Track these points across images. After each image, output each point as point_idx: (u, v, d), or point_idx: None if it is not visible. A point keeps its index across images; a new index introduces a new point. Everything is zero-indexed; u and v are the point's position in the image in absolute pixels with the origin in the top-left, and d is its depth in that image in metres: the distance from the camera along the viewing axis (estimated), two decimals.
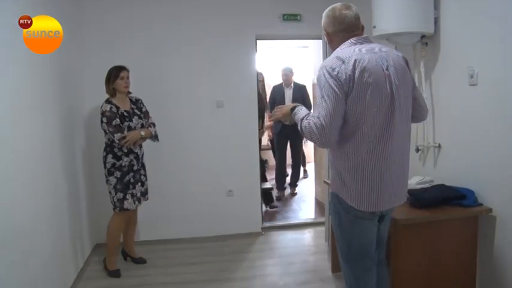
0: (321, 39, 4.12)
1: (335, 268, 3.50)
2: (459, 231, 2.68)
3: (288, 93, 5.90)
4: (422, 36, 3.06)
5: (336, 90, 1.91)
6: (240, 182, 4.55)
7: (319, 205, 5.52)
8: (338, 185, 2.11)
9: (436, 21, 3.02)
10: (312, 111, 2.18)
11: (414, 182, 2.96)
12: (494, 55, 2.54)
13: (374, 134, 1.96)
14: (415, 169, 3.31)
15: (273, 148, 6.61)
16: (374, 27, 3.06)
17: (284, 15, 4.46)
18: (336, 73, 1.93)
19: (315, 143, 2.04)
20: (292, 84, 5.93)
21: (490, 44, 2.57)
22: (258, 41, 4.53)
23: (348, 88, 1.92)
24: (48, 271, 2.94)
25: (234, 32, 4.40)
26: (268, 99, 6.01)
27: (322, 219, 4.72)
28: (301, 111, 2.10)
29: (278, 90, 5.99)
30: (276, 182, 6.11)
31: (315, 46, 5.78)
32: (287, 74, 5.97)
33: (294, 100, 5.48)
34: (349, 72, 1.91)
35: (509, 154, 2.45)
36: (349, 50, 2.00)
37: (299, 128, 2.05)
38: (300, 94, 5.79)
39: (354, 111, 1.94)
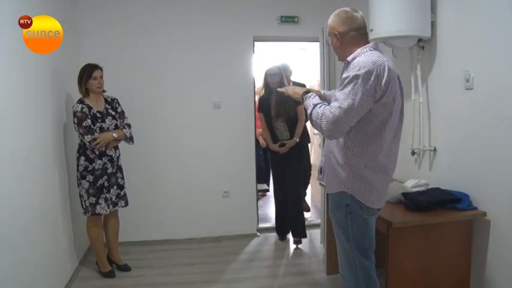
0: (318, 41, 4.13)
1: (330, 270, 3.50)
2: (454, 235, 2.69)
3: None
4: (419, 40, 3.07)
5: (370, 93, 1.97)
6: (235, 183, 4.55)
7: (314, 207, 5.52)
8: (353, 184, 2.12)
9: (433, 25, 3.03)
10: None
11: (409, 185, 2.97)
12: (490, 59, 2.55)
13: (390, 138, 2.13)
14: (411, 172, 3.32)
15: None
16: (371, 30, 3.07)
17: (282, 17, 4.47)
18: (373, 76, 1.97)
19: (322, 132, 2.06)
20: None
21: (486, 48, 2.58)
22: (255, 43, 4.54)
23: (381, 92, 1.99)
24: (43, 271, 2.93)
25: (232, 33, 4.41)
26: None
27: (318, 222, 4.72)
28: (315, 98, 2.17)
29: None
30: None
31: (312, 48, 5.77)
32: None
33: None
34: (385, 79, 1.98)
35: (504, 158, 2.47)
36: (379, 55, 2.06)
37: (308, 112, 2.12)
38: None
39: (377, 114, 2.03)
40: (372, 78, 1.96)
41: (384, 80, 1.98)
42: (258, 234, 4.63)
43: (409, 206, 2.69)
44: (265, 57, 6.48)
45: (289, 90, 2.38)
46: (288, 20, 4.49)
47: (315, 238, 4.49)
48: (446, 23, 2.96)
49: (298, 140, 4.22)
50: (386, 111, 2.04)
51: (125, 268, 3.76)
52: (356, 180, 2.11)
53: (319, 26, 3.90)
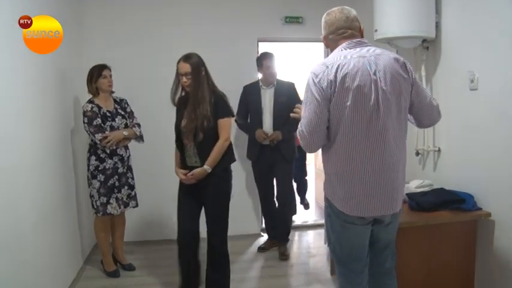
0: (322, 42, 4.13)
1: (334, 270, 3.50)
2: (458, 235, 2.69)
3: (268, 95, 4.01)
4: (424, 41, 3.08)
5: (317, 97, 1.93)
6: (239, 183, 4.55)
7: (318, 207, 5.53)
8: (328, 189, 2.11)
9: (437, 25, 3.03)
10: None
11: (414, 185, 2.97)
12: (494, 60, 2.55)
13: (357, 139, 1.93)
14: (415, 173, 3.32)
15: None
16: (375, 30, 3.08)
17: (286, 17, 4.48)
18: (318, 79, 1.94)
19: (304, 149, 2.08)
20: (275, 82, 4.03)
21: (490, 49, 2.58)
22: (260, 43, 4.55)
23: (330, 94, 1.92)
24: (48, 269, 2.95)
25: (236, 34, 4.42)
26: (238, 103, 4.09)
27: (321, 222, 4.72)
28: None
29: (252, 91, 4.07)
30: (266, 228, 4.47)
31: (317, 49, 5.76)
32: (270, 66, 3.96)
33: (277, 105, 3.94)
34: (331, 78, 1.91)
35: (509, 159, 2.47)
36: (337, 55, 1.99)
37: None
38: (287, 96, 3.92)
39: (335, 117, 1.94)
40: (317, 80, 1.94)
41: (329, 79, 1.90)
42: (262, 234, 4.64)
43: (413, 206, 2.70)
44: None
45: (297, 115, 2.18)
46: (293, 20, 4.49)
47: (319, 238, 4.49)
48: (451, 24, 2.96)
49: (210, 171, 2.90)
50: (342, 111, 1.91)
51: (130, 268, 3.78)
52: (327, 185, 2.11)
53: None
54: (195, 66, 2.87)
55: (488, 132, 2.62)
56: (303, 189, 5.40)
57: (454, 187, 2.85)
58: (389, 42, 3.12)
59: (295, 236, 4.62)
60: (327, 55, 3.97)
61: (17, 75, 2.60)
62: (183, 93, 3.02)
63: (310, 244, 4.41)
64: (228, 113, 2.96)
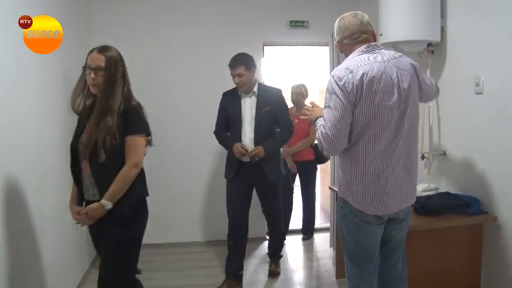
0: (327, 46, 4.14)
1: (339, 274, 3.50)
2: (463, 239, 2.68)
3: (249, 104, 3.45)
4: (429, 44, 3.07)
5: (343, 100, 1.97)
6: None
7: (323, 211, 5.52)
8: (346, 189, 2.14)
9: (443, 29, 3.03)
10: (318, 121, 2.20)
11: (419, 189, 2.96)
12: (500, 64, 2.55)
13: (383, 141, 2.01)
14: (420, 176, 3.30)
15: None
16: (381, 35, 3.08)
17: (291, 21, 4.50)
18: (342, 83, 1.98)
19: (324, 152, 2.13)
20: (255, 89, 3.46)
21: (496, 52, 2.58)
22: (265, 47, 4.57)
23: (355, 98, 1.97)
24: (53, 273, 2.96)
25: (242, 38, 4.43)
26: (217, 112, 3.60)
27: (327, 225, 4.72)
28: (320, 118, 2.18)
29: (232, 99, 3.53)
30: (228, 259, 3.56)
31: (322, 53, 5.76)
32: (235, 76, 3.40)
33: (259, 116, 3.39)
34: (356, 82, 1.96)
35: None
36: (359, 59, 2.04)
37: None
38: (272, 105, 3.41)
39: (361, 120, 1.99)
40: (341, 84, 1.98)
41: (355, 83, 1.96)
42: (267, 237, 4.63)
43: (418, 210, 2.69)
44: (275, 62, 6.48)
45: (307, 116, 2.32)
46: (298, 24, 4.51)
47: (324, 242, 4.49)
48: (456, 28, 2.96)
49: (109, 207, 2.18)
50: (371, 114, 1.98)
51: (136, 271, 3.77)
52: (346, 185, 2.14)
53: (328, 31, 3.89)
54: (111, 61, 2.19)
55: (494, 136, 2.61)
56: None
57: (460, 191, 2.85)
58: (394, 46, 3.11)
59: (300, 240, 4.62)
60: (332, 59, 4.02)
61: (24, 76, 2.63)
62: (90, 100, 2.27)
63: (315, 248, 4.40)
64: (140, 129, 2.24)
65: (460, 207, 2.68)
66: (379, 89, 1.97)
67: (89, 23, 4.13)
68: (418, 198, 2.75)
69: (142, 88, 4.18)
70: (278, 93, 3.51)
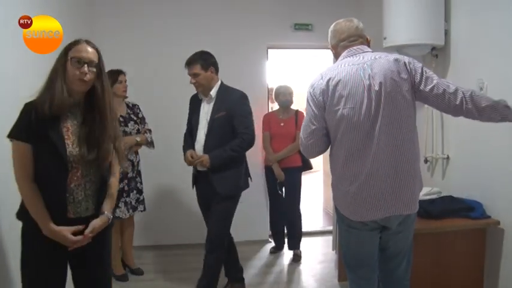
0: None
1: (342, 277, 3.50)
2: (466, 243, 2.68)
3: (206, 109, 3.15)
4: (433, 48, 3.08)
5: (311, 105, 2.04)
6: (248, 189, 4.55)
7: (326, 214, 5.52)
8: (333, 194, 2.17)
9: (446, 33, 3.04)
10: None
11: (422, 193, 2.95)
12: (504, 68, 2.55)
13: (354, 144, 1.95)
14: (423, 180, 3.28)
15: None
16: (385, 38, 3.10)
17: (295, 24, 4.51)
18: (312, 89, 2.05)
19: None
20: (213, 92, 3.13)
21: (499, 57, 2.59)
22: (269, 50, 4.58)
23: (323, 103, 2.01)
24: None
25: (246, 41, 4.45)
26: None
27: (329, 228, 4.72)
28: None
29: (194, 103, 3.29)
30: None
31: (326, 56, 5.76)
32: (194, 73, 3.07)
33: (212, 122, 3.07)
34: (322, 87, 2.01)
35: None
36: (336, 64, 2.07)
37: None
38: (228, 111, 3.05)
39: (332, 124, 2.01)
40: (311, 90, 2.04)
41: (321, 89, 2.00)
42: (270, 240, 4.64)
43: (421, 214, 2.68)
44: (279, 64, 6.48)
45: None
46: (302, 27, 4.52)
47: (327, 244, 4.48)
48: (460, 32, 2.97)
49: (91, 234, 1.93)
50: (335, 118, 1.98)
51: (138, 272, 3.79)
52: (334, 191, 2.15)
53: None
54: (101, 57, 1.98)
55: (497, 140, 2.61)
56: (293, 229, 4.29)
57: (463, 195, 2.85)
58: (398, 50, 3.13)
59: (303, 242, 4.62)
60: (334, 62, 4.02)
61: (24, 76, 2.63)
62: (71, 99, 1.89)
63: (318, 250, 4.40)
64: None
65: (463, 211, 2.68)
66: (345, 93, 1.96)
67: (93, 23, 4.14)
68: (421, 202, 2.74)
69: (147, 92, 4.24)
70: (238, 97, 3.14)
